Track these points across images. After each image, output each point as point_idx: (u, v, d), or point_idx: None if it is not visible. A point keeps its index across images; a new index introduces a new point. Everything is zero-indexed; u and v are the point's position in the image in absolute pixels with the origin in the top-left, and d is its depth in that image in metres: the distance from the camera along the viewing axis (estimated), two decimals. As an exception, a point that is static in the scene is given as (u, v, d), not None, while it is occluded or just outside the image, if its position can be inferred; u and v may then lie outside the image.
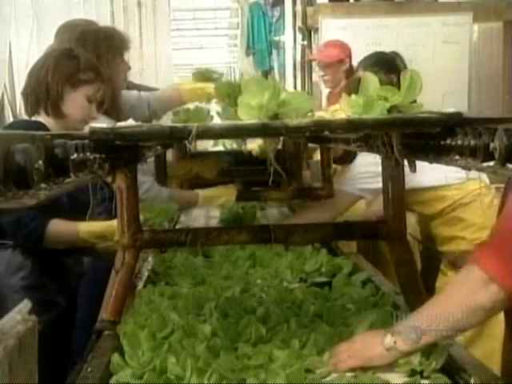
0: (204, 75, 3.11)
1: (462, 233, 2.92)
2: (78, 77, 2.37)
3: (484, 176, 3.02)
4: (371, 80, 1.35)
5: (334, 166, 3.27)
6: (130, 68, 3.07)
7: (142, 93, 3.19)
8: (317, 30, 5.66)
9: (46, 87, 2.36)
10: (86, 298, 2.44)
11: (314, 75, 5.69)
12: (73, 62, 2.39)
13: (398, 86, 1.35)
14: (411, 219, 3.06)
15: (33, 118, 2.41)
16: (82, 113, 2.39)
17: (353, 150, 3.15)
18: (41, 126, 2.31)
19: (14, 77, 5.43)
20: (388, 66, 3.19)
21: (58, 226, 2.28)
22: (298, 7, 5.87)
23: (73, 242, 2.31)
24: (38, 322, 0.87)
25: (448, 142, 1.15)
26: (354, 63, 3.85)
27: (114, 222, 2.10)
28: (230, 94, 2.87)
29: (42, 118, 2.38)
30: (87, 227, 2.27)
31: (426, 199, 2.95)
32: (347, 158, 3.25)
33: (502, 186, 2.81)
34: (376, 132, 1.38)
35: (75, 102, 2.39)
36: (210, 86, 2.93)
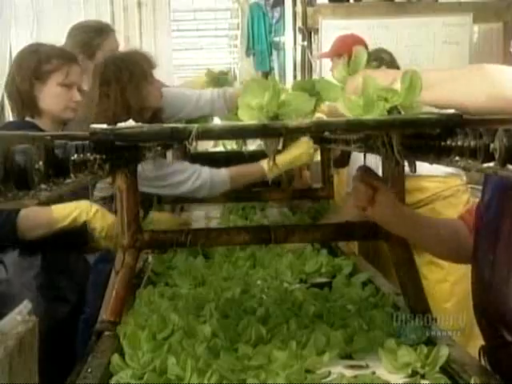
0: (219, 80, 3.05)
1: None
2: (42, 69, 2.33)
3: (463, 174, 3.05)
4: (371, 81, 1.35)
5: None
6: (163, 84, 2.94)
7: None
8: (317, 30, 5.66)
9: (16, 91, 2.35)
10: (92, 298, 2.44)
11: (314, 75, 5.70)
12: (33, 56, 2.35)
13: None
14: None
15: (26, 118, 2.40)
16: (61, 102, 2.36)
17: (347, 153, 3.16)
18: (33, 126, 2.32)
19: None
20: (389, 60, 3.22)
21: (31, 211, 2.21)
22: (298, 8, 5.88)
23: (48, 226, 2.23)
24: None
25: (448, 142, 1.15)
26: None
27: (82, 203, 2.20)
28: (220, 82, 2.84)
29: (30, 119, 2.37)
30: (61, 209, 2.22)
31: (407, 188, 2.92)
32: (343, 161, 3.26)
33: (478, 186, 2.86)
34: (376, 133, 1.38)
35: (49, 94, 2.35)
36: None
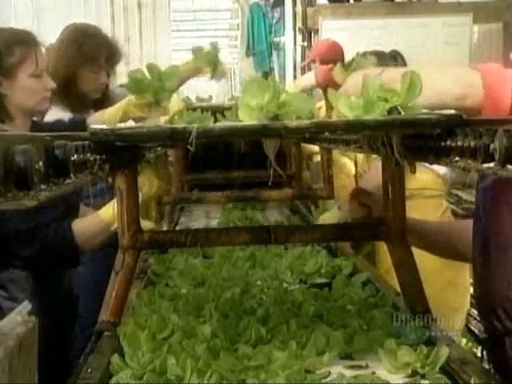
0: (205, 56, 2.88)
1: None
2: (5, 63, 1.99)
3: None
4: (371, 81, 1.35)
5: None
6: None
7: None
8: (317, 31, 5.68)
9: None
10: (86, 299, 2.43)
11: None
12: None
13: None
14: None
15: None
16: (37, 94, 2.07)
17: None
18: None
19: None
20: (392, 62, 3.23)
21: (82, 225, 2.12)
22: (298, 8, 5.89)
23: (104, 231, 2.13)
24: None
25: (448, 143, 1.15)
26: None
27: None
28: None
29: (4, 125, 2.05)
30: (107, 211, 2.11)
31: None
32: None
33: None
34: (376, 133, 1.38)
35: (23, 89, 2.03)
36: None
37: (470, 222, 1.73)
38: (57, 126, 2.28)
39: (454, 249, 1.89)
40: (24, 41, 2.03)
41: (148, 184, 2.25)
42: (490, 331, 1.64)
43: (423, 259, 1.90)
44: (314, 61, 4.13)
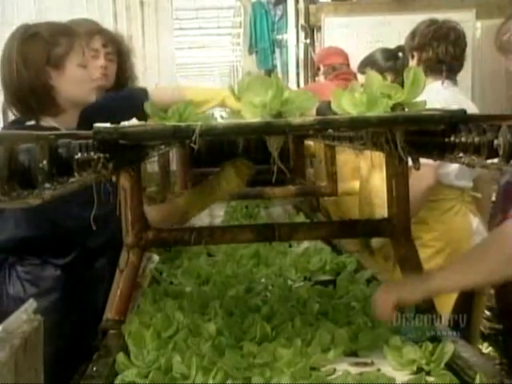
0: None
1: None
2: (53, 53, 1.95)
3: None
4: (374, 78, 1.35)
5: None
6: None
7: None
8: (319, 28, 5.66)
9: (29, 89, 1.95)
10: None
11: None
12: (37, 41, 1.95)
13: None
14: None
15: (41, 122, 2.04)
16: (86, 84, 2.02)
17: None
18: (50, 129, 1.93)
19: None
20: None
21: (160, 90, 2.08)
22: (301, 5, 5.88)
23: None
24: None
25: (452, 139, 1.15)
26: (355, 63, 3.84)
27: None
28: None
29: (45, 123, 2.01)
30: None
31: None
32: None
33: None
34: (379, 130, 1.38)
35: (72, 80, 1.98)
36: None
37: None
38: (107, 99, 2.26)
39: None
40: (68, 31, 2.00)
41: (227, 181, 2.25)
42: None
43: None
44: (318, 68, 4.12)
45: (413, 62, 2.92)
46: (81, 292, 2.10)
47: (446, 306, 2.43)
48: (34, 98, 1.96)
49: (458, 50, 2.90)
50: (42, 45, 1.95)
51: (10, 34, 2.04)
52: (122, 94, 2.36)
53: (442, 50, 2.86)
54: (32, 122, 2.02)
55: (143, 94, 2.22)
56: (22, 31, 1.99)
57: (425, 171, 2.44)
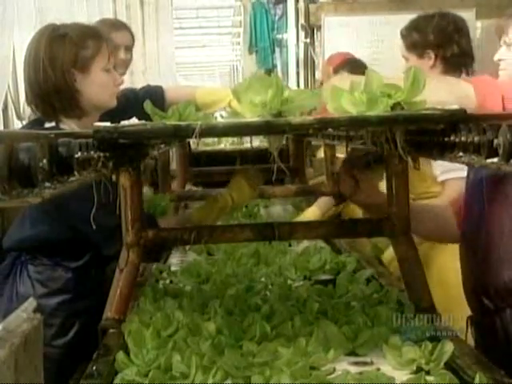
0: None
1: None
2: (81, 56, 1.97)
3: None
4: (375, 77, 1.35)
5: None
6: None
7: None
8: (320, 27, 5.67)
9: (54, 89, 1.94)
10: None
11: (316, 72, 5.70)
12: (66, 42, 1.96)
13: None
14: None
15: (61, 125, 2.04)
16: (109, 89, 2.03)
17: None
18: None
19: (18, 76, 5.45)
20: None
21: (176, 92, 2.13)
22: (301, 5, 5.89)
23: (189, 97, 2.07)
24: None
25: (452, 138, 1.15)
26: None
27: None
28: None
29: (65, 125, 2.01)
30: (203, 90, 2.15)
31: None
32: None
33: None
34: (379, 129, 1.38)
35: (96, 83, 1.99)
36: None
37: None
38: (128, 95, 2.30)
39: (440, 230, 2.01)
40: (95, 34, 2.01)
41: (237, 191, 2.23)
42: (477, 311, 1.78)
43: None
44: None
45: (429, 62, 2.65)
46: (90, 295, 2.11)
47: (449, 303, 2.43)
48: (58, 98, 1.96)
49: (469, 40, 2.72)
50: (70, 46, 1.95)
51: (36, 33, 2.05)
52: (148, 91, 2.37)
53: (464, 42, 2.66)
54: (52, 124, 2.02)
55: (161, 91, 2.25)
56: (51, 30, 2.00)
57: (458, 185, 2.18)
